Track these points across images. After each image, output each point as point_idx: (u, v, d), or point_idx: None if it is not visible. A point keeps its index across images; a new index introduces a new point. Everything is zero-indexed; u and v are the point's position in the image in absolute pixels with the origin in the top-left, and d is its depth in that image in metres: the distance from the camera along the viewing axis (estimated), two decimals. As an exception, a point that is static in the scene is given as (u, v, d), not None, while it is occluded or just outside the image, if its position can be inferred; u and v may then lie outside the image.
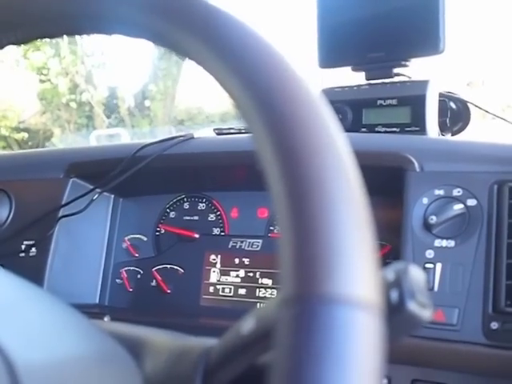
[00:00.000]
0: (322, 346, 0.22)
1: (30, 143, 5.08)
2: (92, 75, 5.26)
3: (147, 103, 5.13)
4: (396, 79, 0.87)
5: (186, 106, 5.11)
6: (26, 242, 0.92)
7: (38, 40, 0.39)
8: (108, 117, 5.11)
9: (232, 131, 0.94)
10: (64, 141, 5.01)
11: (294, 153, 0.26)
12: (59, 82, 5.21)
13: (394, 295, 0.27)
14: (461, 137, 0.93)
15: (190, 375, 0.36)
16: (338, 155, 0.27)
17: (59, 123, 5.26)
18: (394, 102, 0.85)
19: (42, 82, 5.26)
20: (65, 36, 0.38)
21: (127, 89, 5.20)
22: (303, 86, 0.29)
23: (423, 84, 0.84)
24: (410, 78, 0.87)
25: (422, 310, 0.27)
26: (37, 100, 5.35)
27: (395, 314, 0.27)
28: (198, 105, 4.93)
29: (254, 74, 0.29)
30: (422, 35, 0.84)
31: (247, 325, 0.34)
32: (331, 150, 0.27)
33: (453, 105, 0.92)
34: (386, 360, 0.24)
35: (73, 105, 5.21)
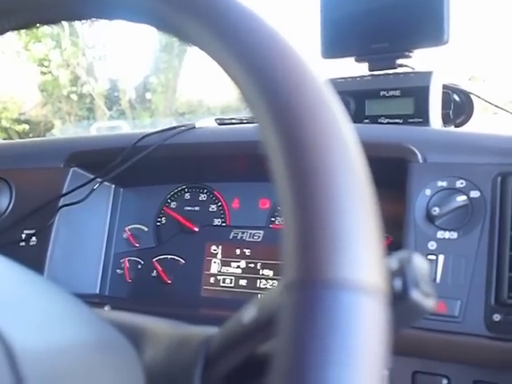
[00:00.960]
0: (326, 331, 0.22)
1: (30, 135, 5.07)
2: (93, 67, 5.25)
3: (148, 96, 5.12)
4: (399, 70, 0.87)
5: (187, 99, 5.10)
6: (26, 232, 0.92)
7: (39, 26, 0.38)
8: (109, 109, 5.10)
9: (234, 121, 0.94)
10: (65, 133, 5.01)
11: (299, 140, 0.26)
12: (60, 74, 5.19)
13: (398, 284, 0.27)
14: (464, 129, 0.92)
15: (191, 363, 0.36)
16: (343, 143, 0.27)
17: (60, 115, 5.25)
18: (397, 93, 0.84)
19: (42, 73, 5.25)
20: (65, 25, 0.38)
21: (128, 81, 5.19)
22: (310, 73, 0.29)
23: (427, 75, 0.83)
24: (413, 69, 0.87)
25: (425, 299, 0.27)
26: (38, 92, 5.34)
27: (398, 302, 0.26)
28: (199, 97, 4.92)
29: (259, 60, 0.29)
30: (426, 25, 0.83)
31: (248, 313, 0.33)
32: (337, 137, 0.27)
33: (456, 97, 0.92)
34: (388, 350, 0.23)
35: (74, 97, 5.20)
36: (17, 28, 0.38)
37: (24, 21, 0.37)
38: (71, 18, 0.37)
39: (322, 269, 0.23)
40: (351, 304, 0.23)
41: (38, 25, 0.38)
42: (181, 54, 4.82)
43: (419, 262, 0.28)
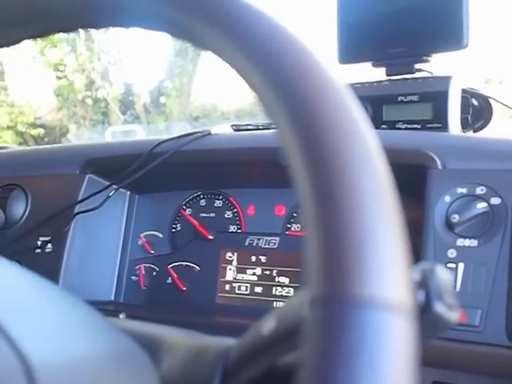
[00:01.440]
0: (353, 349, 0.21)
1: (46, 139, 5.11)
2: (108, 72, 5.28)
3: (163, 100, 5.14)
4: (417, 75, 0.86)
5: (201, 103, 5.12)
6: (41, 238, 0.92)
7: (55, 34, 0.38)
8: (123, 113, 5.13)
9: (249, 127, 0.93)
10: (79, 137, 5.03)
11: (321, 148, 0.25)
12: (75, 79, 5.23)
13: (421, 296, 0.26)
14: (483, 134, 0.91)
15: (209, 375, 0.35)
16: (367, 150, 0.26)
17: (75, 119, 5.29)
18: (415, 98, 0.83)
19: (58, 78, 5.29)
20: (81, 31, 0.37)
21: (143, 85, 5.22)
22: (330, 78, 0.28)
23: (445, 80, 0.82)
24: (431, 73, 0.86)
25: (449, 311, 0.26)
26: (53, 96, 5.38)
27: (422, 315, 0.26)
28: (213, 101, 4.94)
29: (277, 65, 0.28)
30: (445, 30, 0.82)
31: (268, 325, 0.33)
32: (360, 144, 0.26)
33: (475, 101, 0.90)
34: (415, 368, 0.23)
35: (89, 101, 5.24)
36: (33, 37, 0.38)
37: (40, 30, 0.37)
38: (87, 26, 0.37)
39: (349, 285, 0.22)
40: (379, 322, 0.22)
41: (53, 33, 0.38)
42: (195, 59, 4.84)
43: (442, 274, 0.27)
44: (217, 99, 4.86)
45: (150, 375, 0.37)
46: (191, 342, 0.40)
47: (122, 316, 0.84)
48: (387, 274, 0.23)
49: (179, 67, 5.12)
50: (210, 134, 0.89)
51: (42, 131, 5.13)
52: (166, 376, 0.37)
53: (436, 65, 0.87)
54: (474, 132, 0.91)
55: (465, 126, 0.88)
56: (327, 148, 0.25)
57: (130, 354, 0.37)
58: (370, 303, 0.22)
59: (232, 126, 0.94)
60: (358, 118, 0.27)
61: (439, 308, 0.26)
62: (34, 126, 5.15)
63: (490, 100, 0.91)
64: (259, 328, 0.34)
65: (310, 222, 0.24)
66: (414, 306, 0.24)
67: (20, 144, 4.66)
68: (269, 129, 0.92)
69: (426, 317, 0.26)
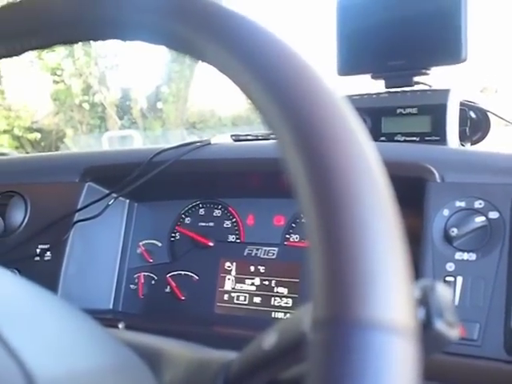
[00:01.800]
0: (358, 372, 0.22)
1: (42, 143, 5.10)
2: (105, 76, 5.28)
3: (160, 105, 5.14)
4: (416, 88, 0.86)
5: (198, 109, 5.12)
6: (41, 246, 0.92)
7: (55, 46, 0.38)
8: (120, 118, 5.13)
9: (249, 138, 0.94)
10: (76, 141, 5.03)
11: (323, 162, 0.25)
12: (72, 83, 5.23)
13: (422, 314, 0.27)
14: (481, 147, 0.91)
15: None
16: (367, 163, 0.26)
17: (72, 124, 5.28)
18: (414, 110, 0.84)
19: (55, 82, 5.29)
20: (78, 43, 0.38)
21: (140, 90, 5.21)
22: (328, 90, 0.28)
23: (444, 93, 0.83)
24: (430, 86, 0.86)
25: (449, 329, 0.27)
26: (50, 101, 5.38)
27: (422, 332, 0.26)
28: (210, 107, 4.94)
29: (275, 77, 0.28)
30: (444, 43, 0.83)
31: (269, 339, 0.33)
32: (361, 158, 0.26)
33: (472, 114, 0.91)
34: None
35: (86, 106, 5.23)
36: (34, 48, 0.38)
37: (41, 42, 0.37)
38: (90, 39, 0.37)
39: (354, 307, 0.23)
40: (383, 344, 0.22)
41: (55, 45, 0.38)
42: (192, 64, 4.84)
43: (442, 291, 0.27)
44: (214, 105, 4.86)
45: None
46: (192, 354, 0.40)
47: (121, 325, 0.84)
48: (391, 295, 0.23)
49: (176, 73, 5.12)
50: (209, 143, 0.90)
51: (38, 135, 5.12)
52: None
53: (434, 76, 0.88)
54: (472, 144, 0.92)
55: (463, 138, 0.88)
56: (327, 160, 0.25)
57: (130, 366, 0.37)
58: (374, 325, 0.22)
59: (232, 136, 0.94)
60: (357, 129, 0.27)
61: (440, 325, 0.26)
62: (30, 130, 5.14)
63: (488, 113, 0.92)
64: (260, 342, 0.34)
65: (312, 240, 0.25)
66: (416, 324, 0.25)
67: (16, 148, 4.65)
68: (268, 139, 0.92)
69: (426, 334, 0.26)
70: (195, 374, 0.38)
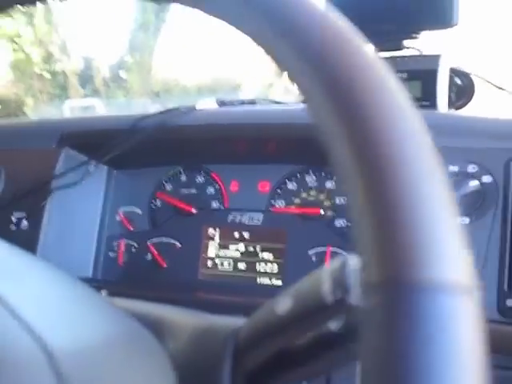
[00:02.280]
0: (429, 335, 0.21)
1: (1, 113, 4.97)
2: (66, 45, 5.15)
3: (123, 74, 5.04)
4: (407, 53, 0.86)
5: (162, 78, 5.04)
6: (17, 215, 0.89)
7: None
8: (83, 87, 5.02)
9: (235, 102, 0.92)
10: (37, 111, 4.92)
11: (367, 126, 0.24)
12: (32, 52, 5.09)
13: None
14: (469, 111, 0.91)
15: (219, 356, 0.34)
16: (414, 128, 0.25)
17: (32, 93, 5.15)
18: (404, 75, 0.83)
19: (14, 51, 5.14)
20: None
21: (102, 59, 5.11)
22: (365, 51, 0.27)
23: (435, 58, 0.82)
24: (420, 51, 0.86)
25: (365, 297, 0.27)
26: (9, 69, 5.23)
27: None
28: (174, 76, 4.87)
29: (309, 41, 0.27)
30: (435, 7, 0.82)
31: (283, 304, 0.32)
32: (407, 121, 0.25)
33: (458, 79, 0.91)
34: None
35: (46, 75, 5.11)
36: None
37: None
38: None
39: (415, 269, 0.22)
40: (449, 306, 0.22)
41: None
42: (156, 33, 4.76)
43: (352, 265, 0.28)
44: (178, 74, 4.79)
45: (160, 356, 0.36)
46: (196, 322, 0.39)
47: (103, 293, 0.82)
48: (450, 255, 0.22)
49: (140, 41, 5.03)
50: (194, 109, 0.88)
51: (-3, 104, 4.99)
52: (174, 357, 0.36)
53: (424, 43, 0.87)
54: (456, 109, 0.92)
55: (448, 103, 0.88)
56: (374, 126, 0.24)
57: (137, 335, 0.36)
58: (437, 286, 0.22)
59: (217, 100, 0.92)
60: (401, 96, 0.26)
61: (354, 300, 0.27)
62: (-12, 99, 5.01)
63: (472, 77, 0.91)
64: (273, 307, 0.33)
65: (363, 206, 0.24)
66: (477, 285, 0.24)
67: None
68: (254, 103, 0.91)
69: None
70: (201, 342, 0.37)
